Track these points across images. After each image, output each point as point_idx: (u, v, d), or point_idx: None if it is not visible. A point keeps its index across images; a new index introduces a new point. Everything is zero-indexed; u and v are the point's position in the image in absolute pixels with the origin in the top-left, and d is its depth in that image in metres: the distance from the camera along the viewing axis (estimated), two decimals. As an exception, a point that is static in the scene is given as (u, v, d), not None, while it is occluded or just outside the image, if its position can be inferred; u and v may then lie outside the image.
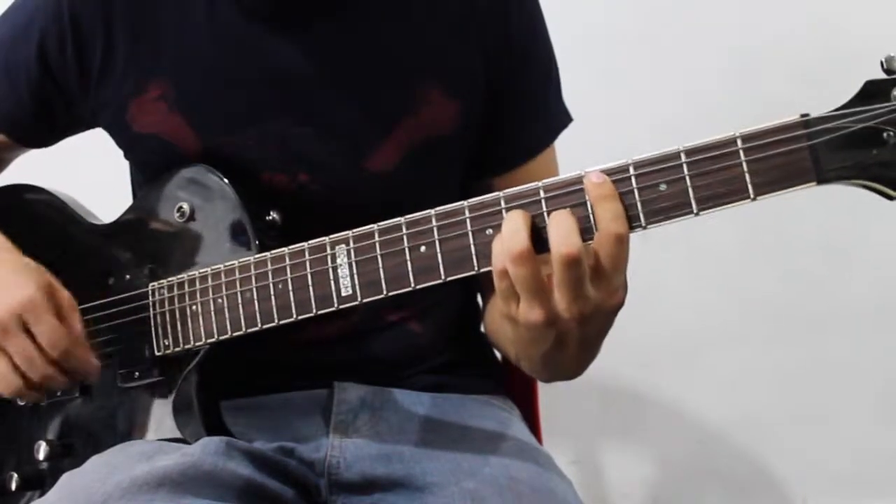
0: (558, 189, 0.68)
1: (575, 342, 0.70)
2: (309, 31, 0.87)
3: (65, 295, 0.84)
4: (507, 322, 0.71)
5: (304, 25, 0.87)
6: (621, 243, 0.65)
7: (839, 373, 1.61)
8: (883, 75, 0.61)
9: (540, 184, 0.68)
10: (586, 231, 0.66)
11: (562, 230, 0.65)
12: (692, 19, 1.57)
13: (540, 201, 0.68)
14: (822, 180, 0.61)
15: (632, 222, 0.66)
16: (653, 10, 1.57)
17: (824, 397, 1.62)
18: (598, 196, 0.65)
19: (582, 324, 0.67)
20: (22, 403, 0.93)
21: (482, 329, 1.02)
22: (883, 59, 0.61)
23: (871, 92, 0.61)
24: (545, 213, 0.67)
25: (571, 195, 0.67)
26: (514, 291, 0.67)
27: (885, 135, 0.60)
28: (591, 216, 0.66)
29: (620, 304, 0.68)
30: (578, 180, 0.67)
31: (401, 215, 0.73)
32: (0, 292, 0.82)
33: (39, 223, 0.98)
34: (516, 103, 0.93)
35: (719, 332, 1.63)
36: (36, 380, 0.82)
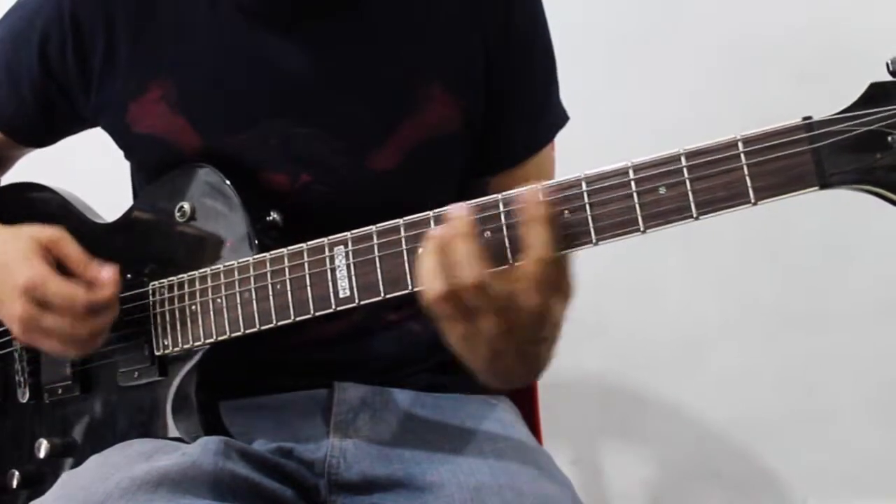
0: (556, 193, 0.67)
1: (512, 353, 0.71)
2: (310, 31, 0.87)
3: (46, 237, 0.84)
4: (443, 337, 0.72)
5: (305, 25, 0.87)
6: (549, 267, 0.66)
7: (839, 372, 1.61)
8: (888, 77, 0.60)
9: (539, 186, 0.68)
10: (500, 256, 0.68)
11: (461, 259, 0.66)
12: (692, 19, 1.56)
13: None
14: (824, 185, 0.61)
15: (631, 226, 0.65)
16: (653, 10, 1.57)
17: (824, 397, 1.62)
18: (528, 218, 0.67)
19: (512, 337, 0.69)
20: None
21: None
22: (889, 61, 0.60)
23: (875, 95, 0.60)
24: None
25: (569, 199, 0.67)
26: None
27: (889, 138, 0.59)
28: (505, 239, 0.68)
29: (548, 314, 0.69)
30: (577, 183, 0.67)
31: (402, 215, 0.73)
32: (2, 293, 0.82)
33: (42, 221, 0.97)
34: (517, 102, 0.92)
35: (719, 331, 1.63)
36: (87, 335, 0.83)
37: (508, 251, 0.68)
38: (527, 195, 0.67)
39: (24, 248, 0.83)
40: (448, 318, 0.68)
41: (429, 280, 0.67)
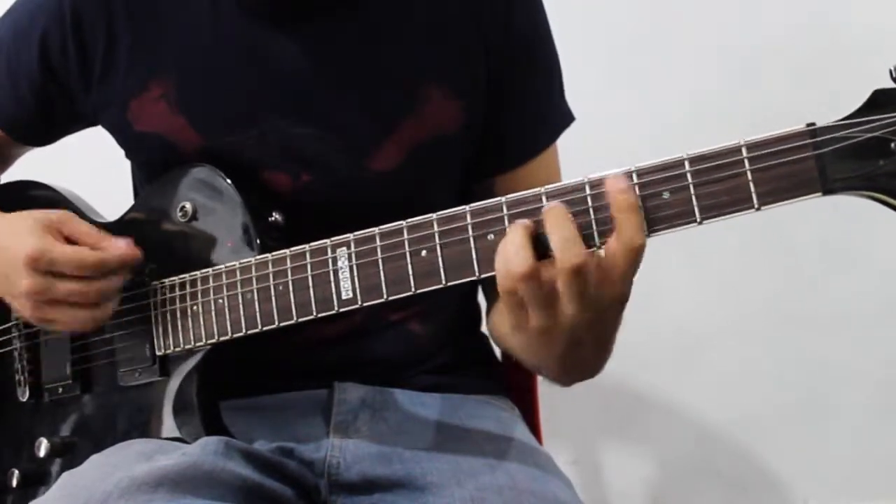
0: (561, 195, 0.67)
1: (590, 341, 0.71)
2: (311, 30, 0.87)
3: (54, 216, 0.84)
4: (518, 333, 0.71)
5: (305, 25, 0.87)
6: (639, 254, 0.65)
7: (839, 372, 1.61)
8: (891, 84, 0.60)
9: (542, 189, 0.68)
10: (587, 238, 0.66)
11: (564, 240, 0.65)
12: (693, 19, 1.56)
13: (543, 207, 0.67)
14: (827, 191, 0.61)
15: None
16: (654, 11, 1.57)
17: (824, 397, 1.62)
18: (623, 205, 0.65)
19: (594, 325, 0.68)
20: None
21: (483, 330, 1.02)
22: (892, 68, 0.60)
23: (879, 101, 0.60)
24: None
25: (575, 202, 0.67)
26: (524, 305, 0.67)
27: (892, 145, 0.59)
28: (592, 222, 0.66)
29: (627, 298, 0.69)
30: (580, 187, 0.67)
31: (403, 215, 0.73)
32: (7, 269, 0.82)
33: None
34: (518, 102, 0.92)
35: (719, 331, 1.63)
36: (98, 300, 0.82)
37: (595, 235, 0.66)
38: (615, 182, 0.65)
39: (28, 225, 0.83)
40: (531, 301, 0.66)
41: (517, 258, 0.65)
